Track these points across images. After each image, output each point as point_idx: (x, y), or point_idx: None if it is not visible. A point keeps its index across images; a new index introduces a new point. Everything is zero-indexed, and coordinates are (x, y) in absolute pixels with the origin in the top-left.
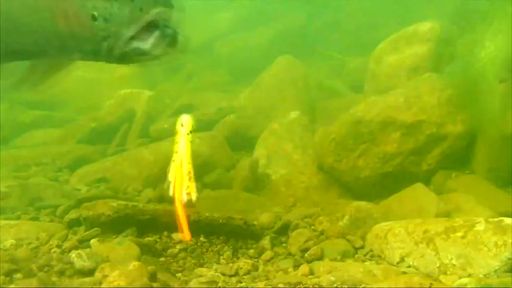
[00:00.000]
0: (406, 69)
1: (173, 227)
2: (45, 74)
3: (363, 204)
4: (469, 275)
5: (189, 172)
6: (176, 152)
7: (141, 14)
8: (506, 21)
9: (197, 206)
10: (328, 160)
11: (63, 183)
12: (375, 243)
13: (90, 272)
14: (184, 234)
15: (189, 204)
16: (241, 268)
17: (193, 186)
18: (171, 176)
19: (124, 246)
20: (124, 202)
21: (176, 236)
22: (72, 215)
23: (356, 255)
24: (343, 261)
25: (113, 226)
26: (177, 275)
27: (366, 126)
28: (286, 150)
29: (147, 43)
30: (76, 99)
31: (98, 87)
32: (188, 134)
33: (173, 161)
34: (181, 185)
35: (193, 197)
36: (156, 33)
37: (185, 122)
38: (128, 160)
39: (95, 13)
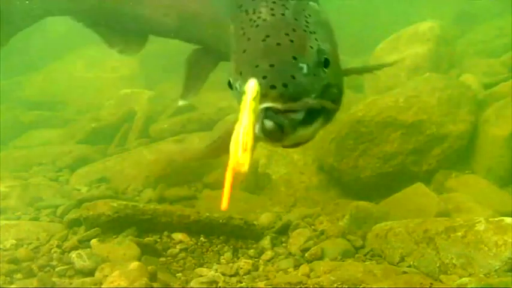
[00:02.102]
0: (406, 69)
1: (173, 226)
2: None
3: (363, 204)
4: (470, 275)
5: (246, 143)
6: (239, 121)
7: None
8: None
9: (198, 205)
10: (329, 160)
11: (63, 183)
12: (375, 243)
13: (90, 272)
14: (223, 202)
15: (238, 177)
16: (241, 268)
17: (247, 157)
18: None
19: (124, 246)
20: (124, 202)
21: (176, 236)
22: (73, 215)
23: (356, 255)
24: (343, 261)
25: (113, 226)
26: (177, 275)
27: (366, 126)
28: (286, 150)
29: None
30: (76, 99)
31: (98, 87)
32: (251, 102)
33: (234, 130)
34: (236, 155)
35: (245, 168)
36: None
37: (249, 87)
38: (128, 160)
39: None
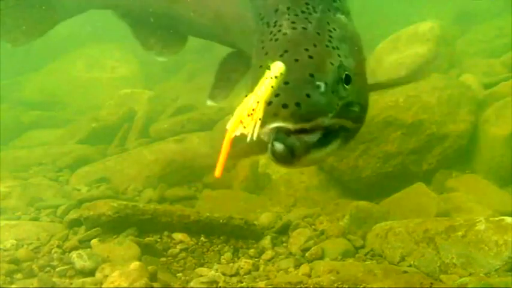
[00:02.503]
0: (406, 69)
1: (174, 226)
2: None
3: (363, 203)
4: (470, 274)
5: (254, 110)
6: (253, 92)
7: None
8: None
9: (198, 205)
10: (329, 160)
11: (64, 183)
12: (376, 242)
13: (90, 272)
14: (217, 169)
15: (238, 144)
16: (241, 268)
17: (252, 124)
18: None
19: (124, 246)
20: (124, 202)
21: (176, 236)
22: (73, 215)
23: (357, 255)
24: (343, 260)
25: (114, 226)
26: (177, 275)
27: (366, 126)
28: None
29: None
30: (76, 99)
31: (98, 87)
32: (272, 78)
33: (246, 96)
34: (238, 120)
35: (250, 134)
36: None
37: (275, 65)
38: (128, 160)
39: None
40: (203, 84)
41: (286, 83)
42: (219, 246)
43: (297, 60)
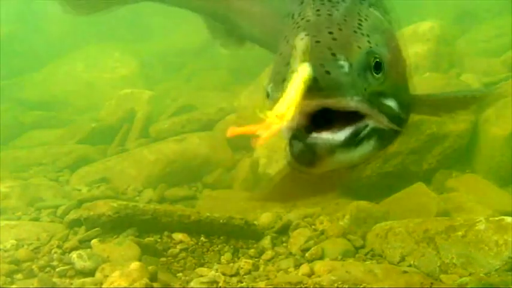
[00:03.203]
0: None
1: (174, 227)
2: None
3: (363, 203)
4: (470, 274)
5: (282, 114)
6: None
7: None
8: None
9: (198, 205)
10: None
11: (64, 183)
12: (376, 242)
13: (90, 272)
14: (231, 131)
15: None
16: (241, 268)
17: (276, 127)
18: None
19: (124, 246)
20: (124, 202)
21: (177, 236)
22: (73, 215)
23: (357, 255)
24: (343, 260)
25: (114, 226)
26: (177, 275)
27: None
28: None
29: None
30: (76, 99)
31: (98, 87)
32: (300, 81)
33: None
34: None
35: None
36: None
37: (303, 68)
38: (128, 160)
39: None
40: (203, 84)
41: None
42: (219, 246)
43: (318, 41)
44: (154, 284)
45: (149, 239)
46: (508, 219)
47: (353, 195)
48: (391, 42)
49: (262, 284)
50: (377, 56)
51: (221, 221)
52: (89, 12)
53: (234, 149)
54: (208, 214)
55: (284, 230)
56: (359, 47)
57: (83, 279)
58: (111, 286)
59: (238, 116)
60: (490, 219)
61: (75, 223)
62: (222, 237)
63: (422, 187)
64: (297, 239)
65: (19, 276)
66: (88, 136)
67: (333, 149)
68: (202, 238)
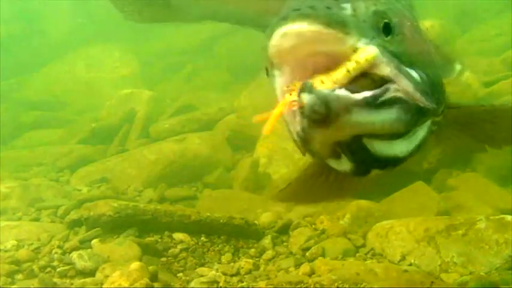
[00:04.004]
0: None
1: (174, 226)
2: None
3: (364, 203)
4: (470, 273)
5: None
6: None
7: None
8: None
9: (198, 205)
10: None
11: (64, 183)
12: (376, 241)
13: (91, 273)
14: (267, 127)
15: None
16: (242, 267)
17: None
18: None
19: (125, 246)
20: (125, 202)
21: (177, 236)
22: (73, 215)
23: (357, 254)
24: (344, 260)
25: (114, 226)
26: (178, 274)
27: None
28: (286, 150)
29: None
30: (76, 99)
31: (98, 87)
32: (354, 62)
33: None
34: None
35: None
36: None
37: (367, 50)
38: (128, 160)
39: None
40: (203, 84)
41: (301, 3)
42: (220, 246)
43: None
44: (155, 284)
45: (150, 239)
46: (509, 217)
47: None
48: (405, 18)
49: (262, 283)
50: (386, 17)
51: (221, 220)
52: (148, 21)
53: (234, 149)
54: (208, 214)
55: (284, 230)
56: (366, 8)
57: (83, 280)
58: (112, 286)
59: (238, 116)
60: (491, 218)
61: (76, 223)
62: (222, 237)
63: (422, 186)
64: (298, 238)
65: (20, 276)
66: (88, 136)
67: (350, 106)
68: (202, 238)
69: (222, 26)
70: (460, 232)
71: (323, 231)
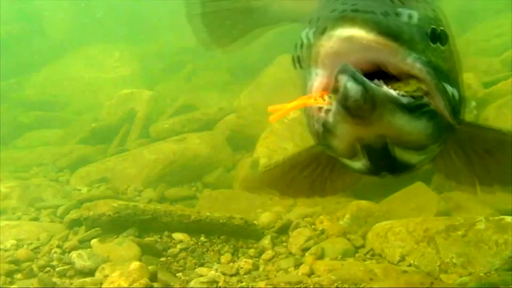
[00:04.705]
0: None
1: (174, 226)
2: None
3: (363, 203)
4: (470, 274)
5: None
6: None
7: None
8: None
9: (198, 205)
10: None
11: (64, 183)
12: (376, 242)
13: (90, 272)
14: (275, 115)
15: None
16: (241, 268)
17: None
18: None
19: (124, 246)
20: (125, 202)
21: (177, 235)
22: (73, 215)
23: (357, 254)
24: (343, 260)
25: (114, 226)
26: (177, 274)
27: None
28: (286, 150)
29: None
30: (76, 99)
31: (98, 87)
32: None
33: None
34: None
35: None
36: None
37: None
38: (128, 160)
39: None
40: (203, 84)
41: (354, 4)
42: (219, 246)
43: None
44: (155, 284)
45: (149, 239)
46: (508, 218)
47: (353, 194)
48: (447, 28)
49: (262, 283)
50: (434, 25)
51: (221, 220)
52: (228, 43)
53: (234, 149)
54: (208, 214)
55: (284, 230)
56: (417, 13)
57: (82, 279)
58: (111, 286)
59: (238, 116)
60: (490, 218)
61: (75, 223)
62: (222, 237)
63: (422, 186)
64: (297, 238)
65: (19, 276)
66: (88, 136)
67: (395, 107)
68: (202, 238)
69: None
70: (460, 233)
71: (322, 232)
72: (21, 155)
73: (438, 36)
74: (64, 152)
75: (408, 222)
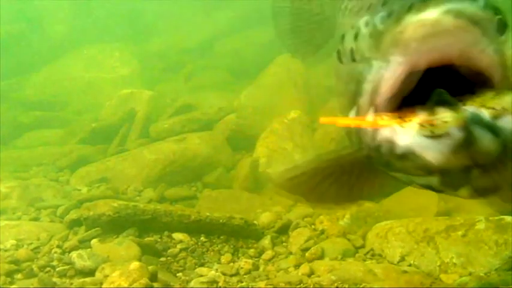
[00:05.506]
0: None
1: (174, 226)
2: None
3: (363, 203)
4: (470, 274)
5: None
6: None
7: None
8: None
9: (198, 205)
10: None
11: (64, 183)
12: (376, 242)
13: (90, 272)
14: (329, 120)
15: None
16: (241, 268)
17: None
18: None
19: (124, 246)
20: (124, 202)
21: (177, 235)
22: (73, 215)
23: (357, 255)
24: (343, 260)
25: (114, 226)
26: (177, 274)
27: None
28: (286, 150)
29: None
30: (76, 99)
31: (98, 87)
32: None
33: None
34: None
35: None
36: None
37: None
38: (128, 160)
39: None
40: (203, 84)
41: None
42: (219, 246)
43: None
44: (155, 284)
45: (149, 239)
46: (508, 218)
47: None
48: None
49: (262, 283)
50: (500, 15)
51: (221, 220)
52: (313, 53)
53: (234, 149)
54: (208, 214)
55: (284, 230)
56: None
57: (83, 279)
58: (111, 286)
59: (238, 116)
60: (490, 218)
61: (75, 223)
62: (222, 237)
63: None
64: (297, 238)
65: (19, 276)
66: (88, 136)
67: (496, 131)
68: (202, 238)
69: (222, 26)
70: (460, 233)
71: (322, 232)
72: (21, 155)
73: (504, 27)
74: (64, 152)
75: (408, 222)
